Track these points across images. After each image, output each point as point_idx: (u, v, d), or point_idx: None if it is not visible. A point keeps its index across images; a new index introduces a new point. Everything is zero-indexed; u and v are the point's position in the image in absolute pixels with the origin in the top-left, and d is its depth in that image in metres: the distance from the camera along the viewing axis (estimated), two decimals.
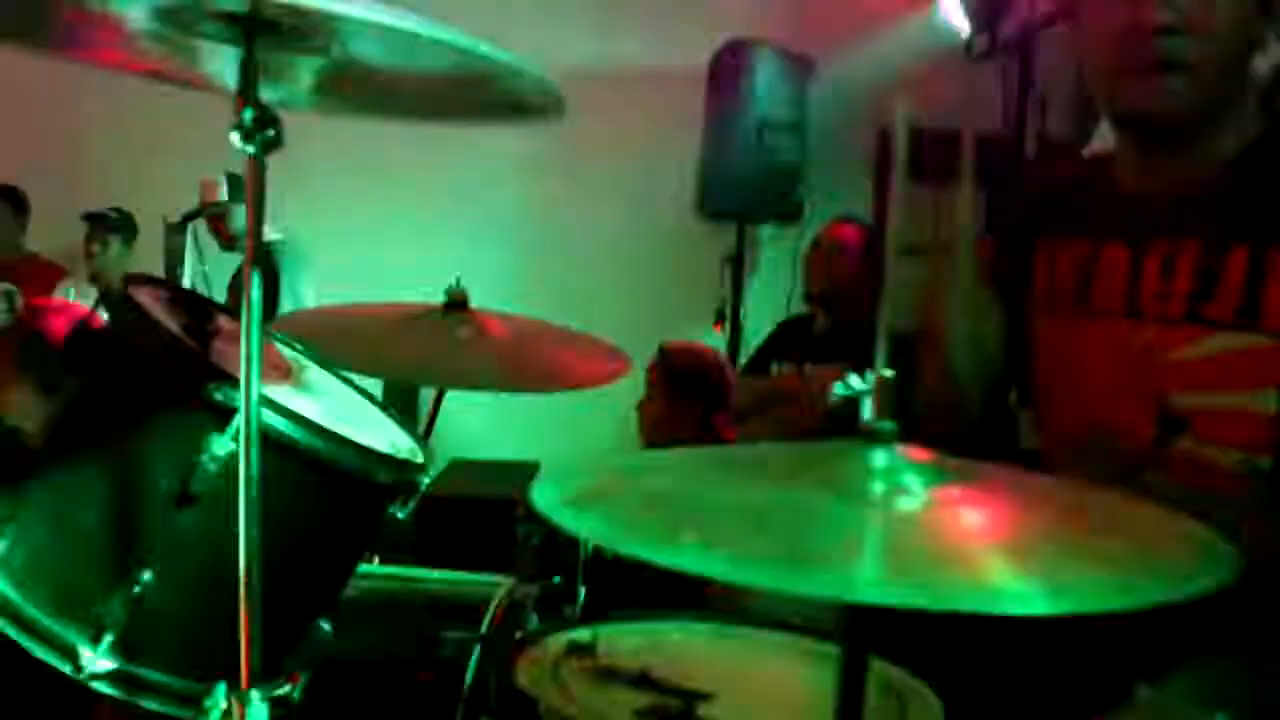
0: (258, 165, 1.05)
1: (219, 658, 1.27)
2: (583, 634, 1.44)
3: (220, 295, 4.55)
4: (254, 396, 1.06)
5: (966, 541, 0.83)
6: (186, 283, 5.10)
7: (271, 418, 1.22)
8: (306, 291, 4.33)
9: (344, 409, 1.50)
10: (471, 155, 5.11)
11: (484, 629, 1.62)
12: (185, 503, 1.22)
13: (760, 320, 5.50)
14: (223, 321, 1.47)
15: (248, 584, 1.09)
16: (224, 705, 1.12)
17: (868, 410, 0.93)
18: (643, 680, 1.32)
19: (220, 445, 1.21)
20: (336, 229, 4.88)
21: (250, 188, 1.06)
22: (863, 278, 4.09)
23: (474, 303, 2.13)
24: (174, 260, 5.31)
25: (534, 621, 1.73)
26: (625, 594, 2.00)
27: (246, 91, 1.02)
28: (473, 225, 5.42)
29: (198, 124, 5.61)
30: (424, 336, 2.09)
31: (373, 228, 5.27)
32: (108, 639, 1.22)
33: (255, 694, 1.10)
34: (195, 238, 5.00)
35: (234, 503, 1.20)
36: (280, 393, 1.35)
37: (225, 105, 1.06)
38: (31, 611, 1.24)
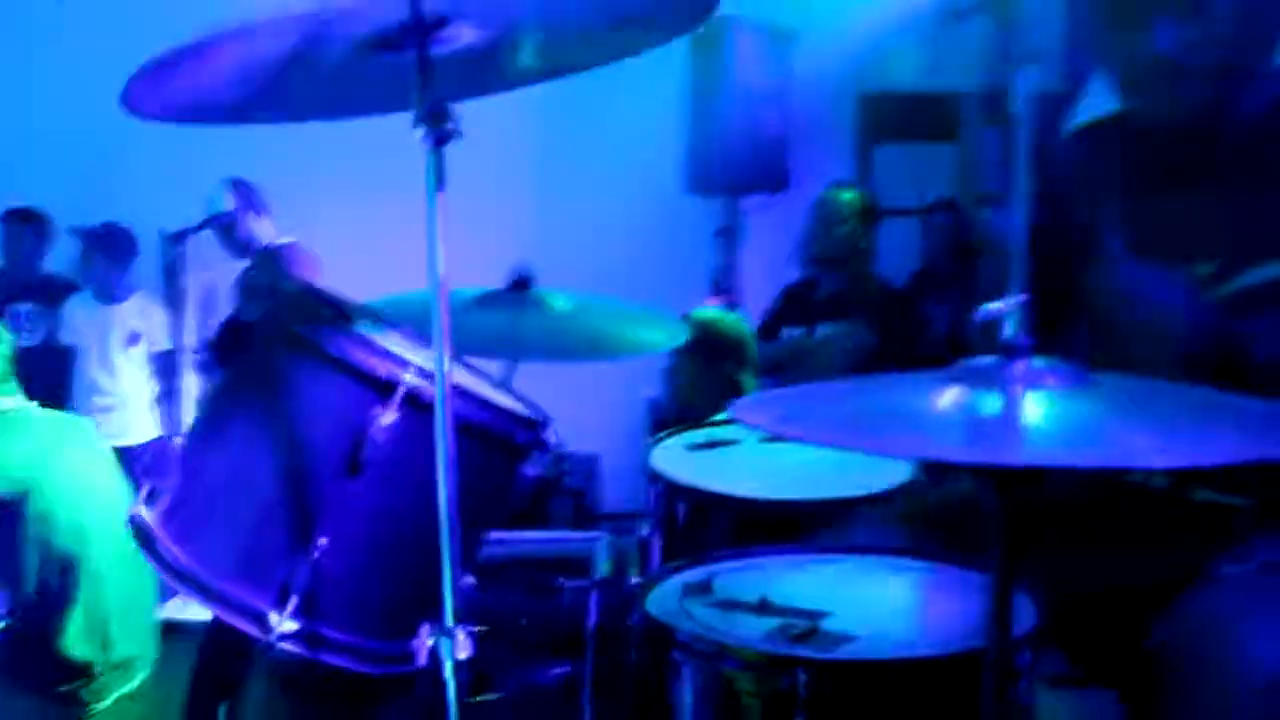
0: (439, 158, 1.16)
1: (389, 614, 1.39)
2: (697, 574, 1.56)
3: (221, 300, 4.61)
4: (446, 367, 1.17)
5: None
6: (191, 293, 5.17)
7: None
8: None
9: (465, 379, 1.61)
10: (461, 143, 5.18)
11: (597, 577, 1.74)
12: (355, 471, 1.33)
13: (755, 289, 5.63)
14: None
15: (450, 532, 1.19)
16: (430, 642, 1.23)
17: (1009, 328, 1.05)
18: (764, 607, 1.44)
19: (386, 415, 1.32)
20: (333, 228, 4.94)
21: (435, 179, 1.17)
22: (851, 239, 4.23)
23: (474, 284, 2.21)
24: (173, 271, 5.37)
25: (635, 570, 1.85)
26: (695, 542, 2.11)
27: (423, 90, 1.13)
28: (465, 211, 5.50)
29: (191, 135, 5.65)
30: (494, 315, 2.19)
31: (366, 225, 5.34)
32: (292, 602, 1.33)
33: (459, 630, 1.21)
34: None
35: (400, 468, 1.31)
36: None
37: None
38: (219, 584, 1.35)
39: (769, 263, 5.64)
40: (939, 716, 1.25)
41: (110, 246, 5.03)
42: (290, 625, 1.33)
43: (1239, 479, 1.49)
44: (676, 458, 2.33)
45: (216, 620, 1.45)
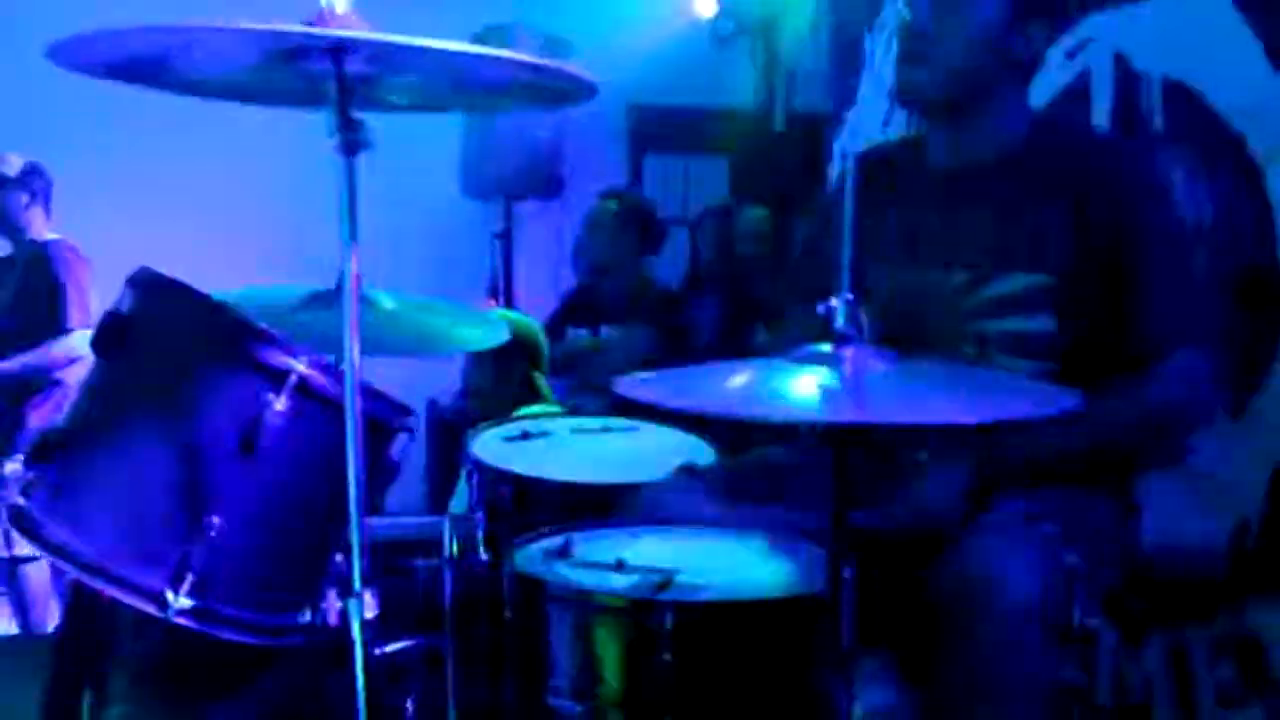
0: (350, 167, 1.29)
1: (279, 589, 1.49)
2: (554, 541, 1.73)
3: None
4: (354, 361, 1.30)
5: None
6: None
7: (326, 379, 1.44)
8: (92, 293, 4.27)
9: None
10: (239, 146, 5.14)
11: (448, 555, 1.87)
12: (248, 454, 1.42)
13: (531, 292, 5.81)
14: None
15: (340, 511, 1.32)
16: (339, 605, 1.35)
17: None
18: (621, 566, 1.62)
19: (279, 402, 1.42)
20: (104, 228, 4.80)
21: (347, 191, 1.30)
22: (625, 244, 4.47)
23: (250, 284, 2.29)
24: None
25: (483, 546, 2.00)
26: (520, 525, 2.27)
27: (341, 108, 1.26)
28: (246, 212, 5.45)
29: None
30: (323, 313, 2.28)
31: (127, 227, 5.21)
32: (188, 580, 1.41)
33: (367, 592, 1.34)
34: None
35: (290, 451, 1.42)
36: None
37: None
38: (113, 566, 1.41)
39: (543, 266, 5.84)
40: (784, 652, 1.47)
41: None
42: (186, 603, 1.42)
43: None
44: (496, 448, 2.49)
45: (69, 621, 1.51)
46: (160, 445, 1.43)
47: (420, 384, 5.04)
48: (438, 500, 3.60)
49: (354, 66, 1.34)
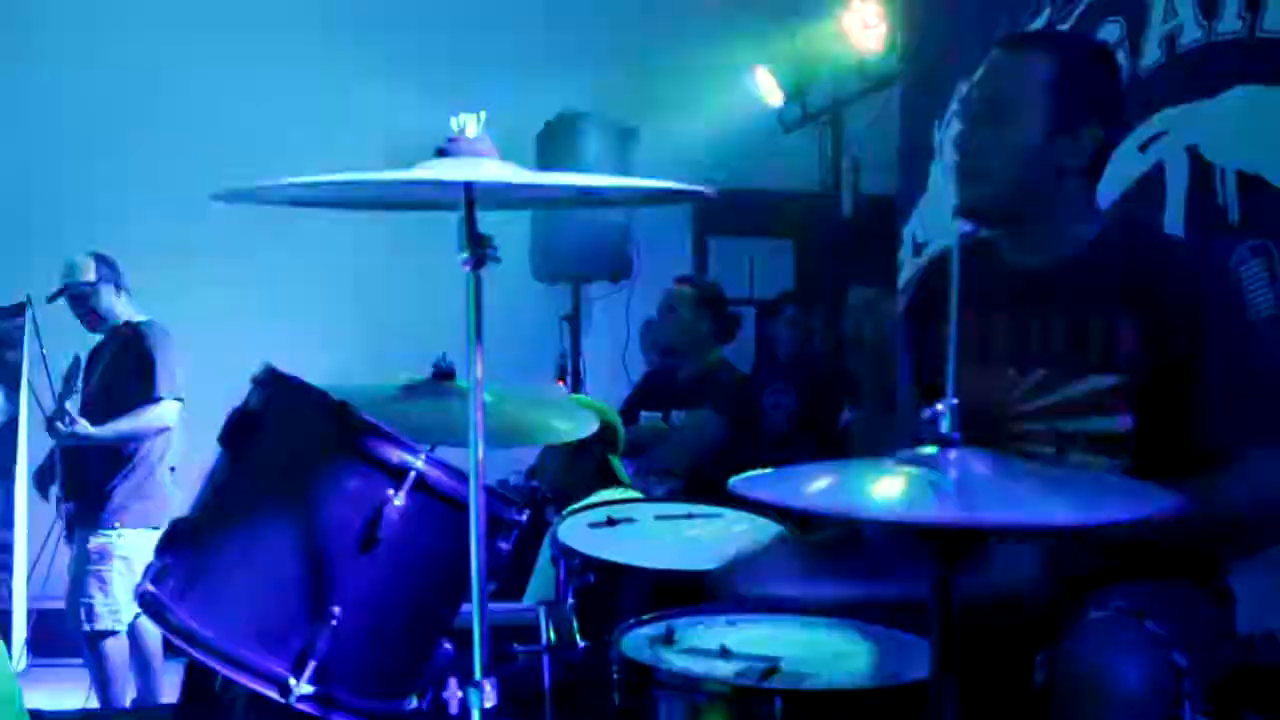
0: (478, 279, 1.38)
1: (393, 676, 1.55)
2: (657, 629, 1.77)
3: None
4: (479, 451, 1.36)
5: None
6: (25, 363, 5.07)
7: (438, 472, 1.51)
8: (178, 370, 4.43)
9: None
10: (321, 236, 5.32)
11: (546, 642, 1.92)
12: (369, 547, 1.49)
13: (598, 373, 5.90)
14: None
15: (480, 593, 1.37)
16: (459, 694, 1.40)
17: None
18: (725, 653, 1.66)
19: (398, 498, 1.49)
20: (194, 312, 4.98)
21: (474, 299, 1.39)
22: (699, 330, 4.54)
23: (336, 370, 2.38)
24: (1, 344, 5.26)
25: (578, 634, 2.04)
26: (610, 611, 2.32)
27: (469, 226, 1.36)
28: (327, 303, 5.63)
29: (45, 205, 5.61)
30: (419, 404, 2.36)
31: (230, 311, 5.42)
32: (310, 667, 1.47)
33: (487, 682, 1.39)
34: (34, 319, 5.00)
35: (408, 544, 1.49)
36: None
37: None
38: (239, 651, 1.48)
39: (611, 348, 5.93)
40: None
41: None
42: (307, 689, 1.47)
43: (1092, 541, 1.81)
44: (582, 534, 2.54)
45: (186, 699, 1.57)
46: (285, 538, 1.50)
47: (491, 465, 5.10)
48: (512, 585, 3.65)
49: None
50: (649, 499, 3.23)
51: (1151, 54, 3.10)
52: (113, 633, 4.36)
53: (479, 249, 1.46)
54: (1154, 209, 2.95)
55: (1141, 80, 3.11)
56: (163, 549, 1.55)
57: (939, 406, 1.32)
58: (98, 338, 4.57)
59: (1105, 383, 1.87)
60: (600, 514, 2.72)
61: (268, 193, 1.41)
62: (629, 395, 4.60)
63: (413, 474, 1.51)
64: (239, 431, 1.56)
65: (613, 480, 3.67)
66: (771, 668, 1.57)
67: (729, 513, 2.70)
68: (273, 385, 1.59)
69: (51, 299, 4.55)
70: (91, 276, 4.46)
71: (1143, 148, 3.06)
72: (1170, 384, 1.84)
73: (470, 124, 1.45)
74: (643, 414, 4.42)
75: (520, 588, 3.50)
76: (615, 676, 1.59)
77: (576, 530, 2.58)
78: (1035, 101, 1.92)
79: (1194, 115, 2.93)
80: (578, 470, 3.59)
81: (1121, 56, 3.16)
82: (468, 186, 1.42)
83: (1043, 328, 1.95)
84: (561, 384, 5.76)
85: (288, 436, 1.57)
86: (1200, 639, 1.72)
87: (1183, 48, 2.99)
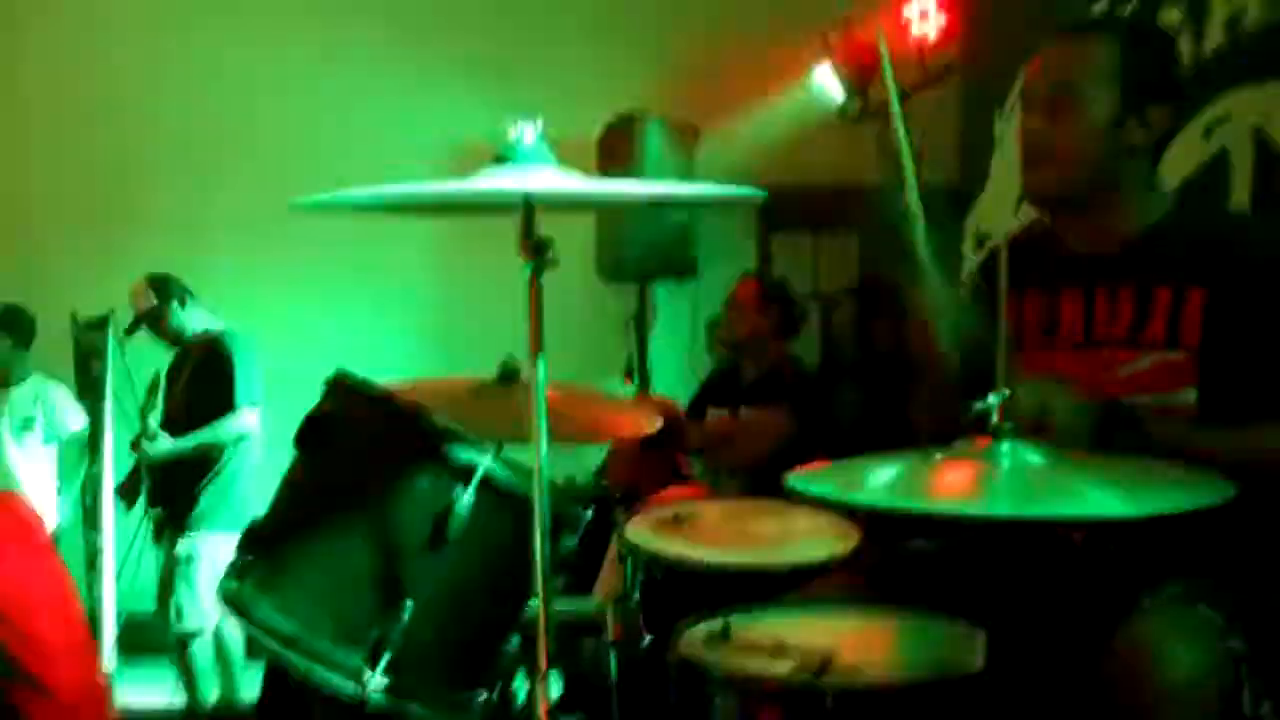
0: (538, 285, 1.43)
1: (463, 667, 1.60)
2: (714, 624, 1.80)
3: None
4: (544, 450, 1.41)
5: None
6: (109, 377, 5.23)
7: (504, 471, 1.56)
8: (257, 375, 4.55)
9: None
10: (385, 237, 5.43)
11: (612, 638, 1.97)
12: (439, 544, 1.54)
13: (665, 372, 5.92)
14: None
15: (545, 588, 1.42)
16: (527, 686, 1.45)
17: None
18: (779, 649, 1.68)
19: (466, 495, 1.54)
20: (269, 319, 5.11)
21: (533, 300, 1.43)
22: (765, 326, 4.55)
23: (404, 367, 2.43)
24: (87, 355, 5.42)
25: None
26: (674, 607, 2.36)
27: (527, 233, 1.41)
28: (398, 306, 5.75)
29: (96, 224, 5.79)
30: (486, 403, 2.41)
31: (298, 315, 5.55)
32: (385, 659, 1.53)
33: (552, 674, 1.44)
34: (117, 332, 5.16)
35: (476, 541, 1.53)
36: None
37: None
38: (318, 644, 1.54)
39: (677, 346, 5.96)
40: None
41: (8, 327, 5.04)
42: (382, 680, 1.53)
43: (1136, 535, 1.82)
44: (649, 532, 2.58)
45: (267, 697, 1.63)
46: (357, 536, 1.57)
47: (559, 462, 5.17)
48: (580, 582, 3.70)
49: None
50: (716, 496, 3.26)
51: (1215, 37, 3.07)
52: (199, 633, 4.49)
53: (538, 255, 1.50)
54: (1219, 193, 2.92)
55: (1205, 64, 3.07)
56: (243, 547, 1.62)
57: (990, 398, 1.35)
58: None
59: (1170, 357, 1.88)
60: (668, 512, 2.76)
61: (341, 201, 1.46)
62: (696, 393, 4.62)
63: (479, 473, 1.56)
64: (313, 434, 1.63)
65: (681, 478, 3.71)
66: (823, 662, 1.59)
67: (793, 508, 2.73)
68: (344, 389, 1.65)
69: (129, 331, 4.71)
70: (153, 301, 4.60)
71: (1207, 133, 3.02)
72: (1234, 361, 1.84)
73: (528, 131, 1.50)
74: (710, 411, 4.43)
75: (590, 584, 3.55)
76: (671, 675, 1.62)
77: (643, 528, 2.63)
78: (1103, 84, 1.93)
79: (1258, 98, 2.89)
80: (645, 468, 3.64)
81: (1184, 41, 3.13)
82: (526, 195, 1.47)
83: (1109, 305, 1.96)
84: (629, 382, 5.80)
85: (358, 438, 1.64)
86: (1262, 624, 1.71)
87: (1246, 30, 2.95)
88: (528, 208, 1.46)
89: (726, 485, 4.04)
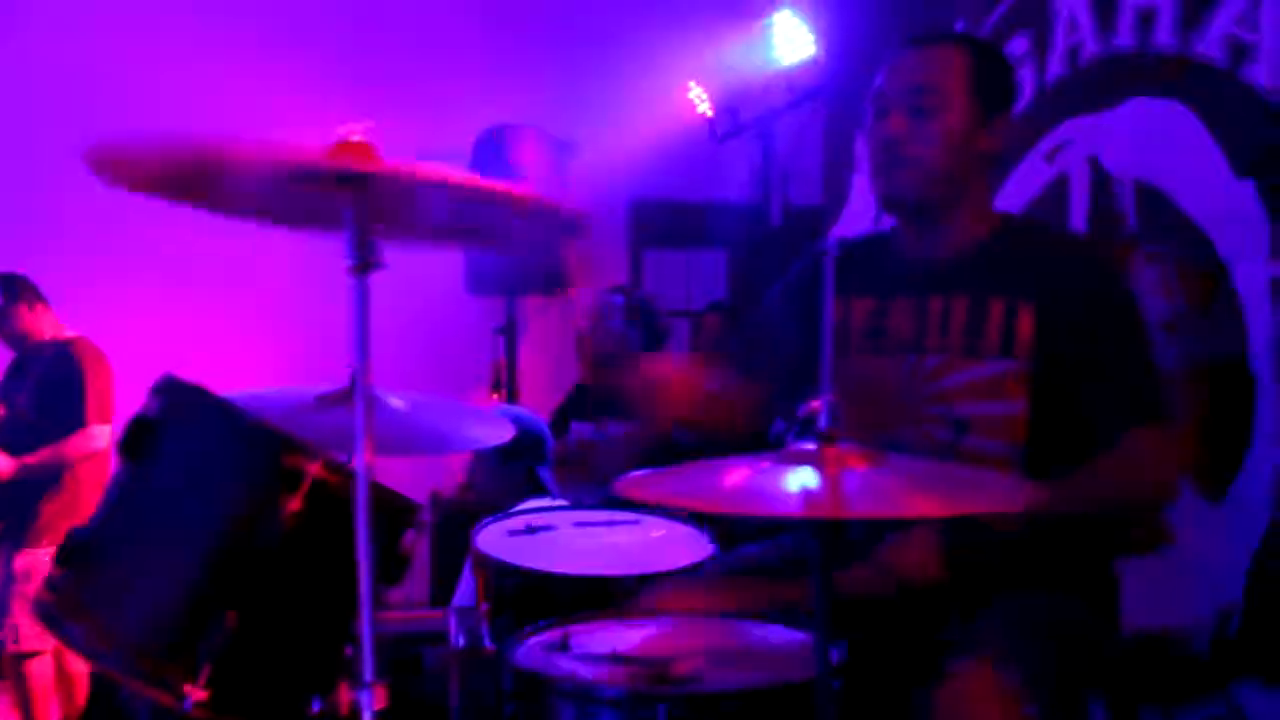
0: (364, 286, 1.40)
1: (289, 682, 1.56)
2: (553, 635, 1.80)
3: None
4: (366, 467, 1.39)
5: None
6: None
7: (333, 476, 1.53)
8: (109, 390, 4.40)
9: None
10: (247, 243, 5.29)
11: (455, 648, 1.94)
12: (264, 552, 1.51)
13: (533, 385, 5.92)
14: None
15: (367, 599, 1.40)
16: (349, 697, 1.42)
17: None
18: (617, 658, 1.69)
19: (293, 502, 1.51)
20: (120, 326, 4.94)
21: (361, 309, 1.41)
22: (632, 340, 4.57)
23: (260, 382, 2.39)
24: None
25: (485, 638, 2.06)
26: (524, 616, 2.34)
27: (356, 230, 1.38)
28: (251, 310, 5.61)
29: None
30: (334, 413, 2.37)
31: (153, 322, 5.37)
32: (204, 672, 1.48)
33: (377, 685, 1.41)
34: None
35: (304, 550, 1.51)
36: None
37: None
38: (135, 659, 1.49)
39: (546, 360, 5.96)
40: None
41: None
42: (201, 694, 1.49)
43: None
44: (500, 542, 2.57)
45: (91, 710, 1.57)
46: (181, 545, 1.52)
47: (424, 477, 5.13)
48: (441, 593, 3.66)
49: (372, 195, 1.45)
50: (572, 507, 3.25)
51: (1057, 66, 3.20)
52: (38, 654, 4.31)
53: (364, 254, 1.47)
54: (1059, 216, 3.04)
55: (1048, 91, 3.20)
56: (60, 559, 1.56)
57: (815, 403, 1.37)
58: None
59: (1002, 368, 1.94)
60: (520, 522, 2.75)
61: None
62: (558, 406, 4.62)
63: (308, 478, 1.53)
64: (138, 440, 1.58)
65: (540, 491, 3.70)
66: (659, 672, 1.60)
67: (649, 519, 2.74)
68: (171, 393, 1.60)
69: None
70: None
71: (1049, 157, 3.15)
72: (1063, 373, 1.90)
73: (358, 132, 1.48)
74: (573, 425, 4.44)
75: (449, 596, 3.51)
76: (507, 685, 1.62)
77: (494, 538, 2.61)
78: (958, 88, 1.99)
79: (1094, 126, 3.02)
80: (505, 481, 3.62)
81: (1030, 68, 3.25)
82: (355, 195, 1.44)
83: (942, 314, 2.01)
84: (495, 396, 5.78)
85: (185, 443, 1.59)
86: (1059, 681, 1.76)
87: (1084, 60, 3.09)
88: (357, 207, 1.43)
89: (588, 498, 4.05)
